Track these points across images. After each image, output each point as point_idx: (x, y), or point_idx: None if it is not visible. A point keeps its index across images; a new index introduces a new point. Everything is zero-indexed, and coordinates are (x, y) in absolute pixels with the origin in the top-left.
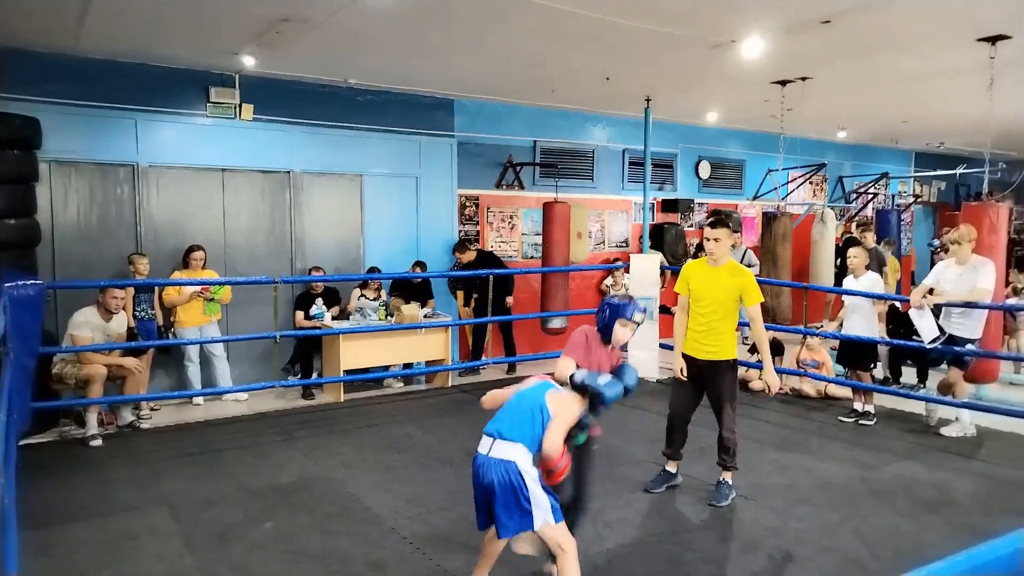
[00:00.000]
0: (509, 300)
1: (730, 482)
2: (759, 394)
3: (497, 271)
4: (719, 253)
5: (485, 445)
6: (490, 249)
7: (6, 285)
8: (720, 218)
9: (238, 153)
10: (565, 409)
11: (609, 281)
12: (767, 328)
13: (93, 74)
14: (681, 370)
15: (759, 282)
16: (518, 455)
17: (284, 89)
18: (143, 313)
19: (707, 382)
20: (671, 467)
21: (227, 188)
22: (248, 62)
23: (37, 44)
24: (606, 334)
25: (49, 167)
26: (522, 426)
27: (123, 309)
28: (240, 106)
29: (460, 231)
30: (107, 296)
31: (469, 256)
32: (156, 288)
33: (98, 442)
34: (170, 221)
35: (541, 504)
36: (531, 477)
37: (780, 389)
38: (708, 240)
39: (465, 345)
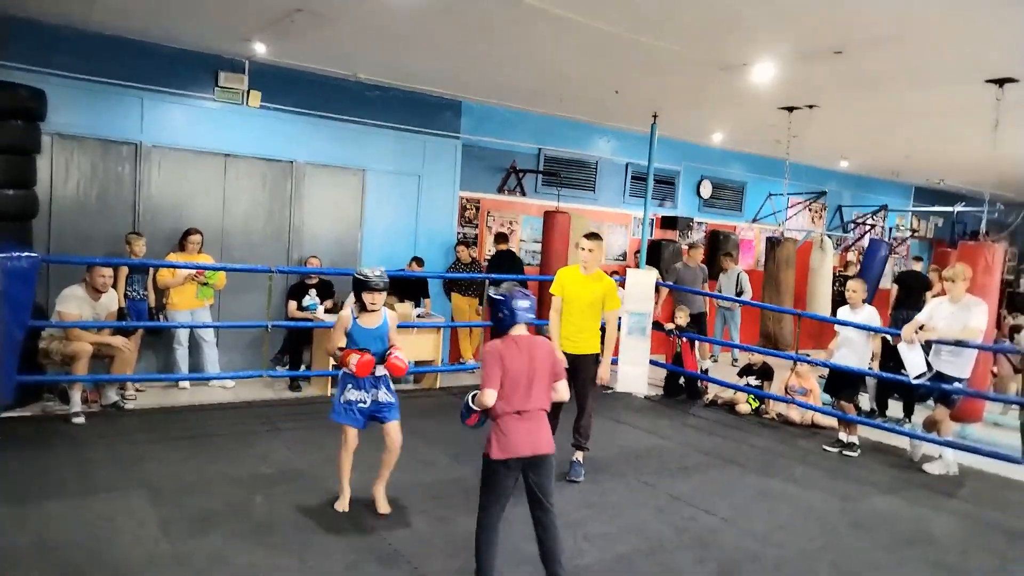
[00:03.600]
0: None
1: (581, 460)
2: (745, 417)
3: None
4: (591, 262)
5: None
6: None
7: (1, 256)
8: (595, 232)
9: (242, 139)
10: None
11: None
12: (765, 353)
13: (102, 49)
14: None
15: (754, 306)
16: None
17: (293, 78)
18: (135, 293)
19: (575, 373)
20: (578, 457)
21: (229, 173)
22: (259, 49)
23: (48, 15)
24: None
25: (52, 140)
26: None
27: (114, 288)
28: (248, 92)
29: (459, 233)
30: (94, 274)
31: (468, 252)
32: (150, 269)
33: (81, 420)
34: (169, 203)
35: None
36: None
37: (603, 383)
38: (583, 250)
39: (456, 347)
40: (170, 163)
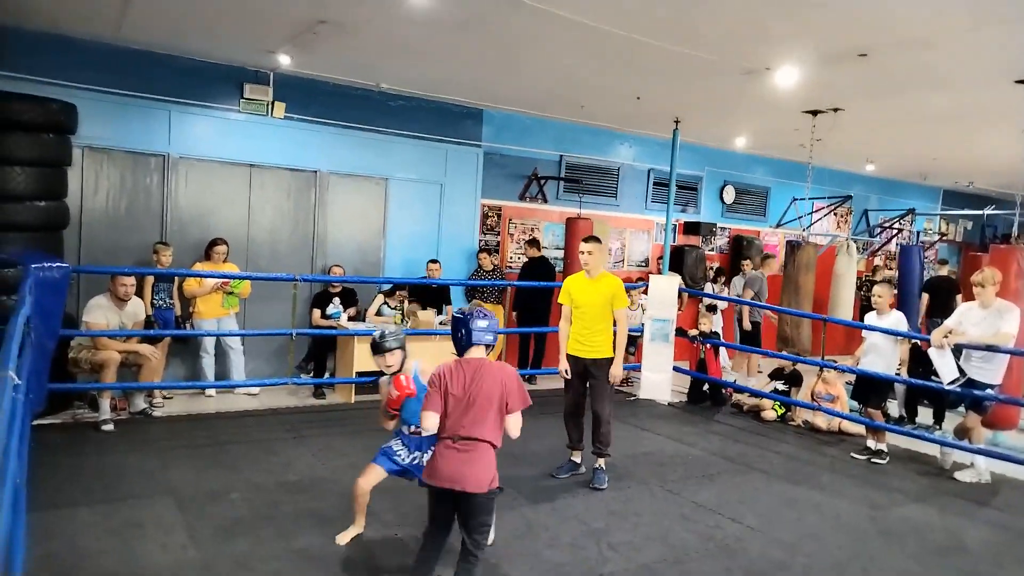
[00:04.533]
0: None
1: (604, 467)
2: (771, 424)
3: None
4: (592, 264)
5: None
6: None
7: (33, 266)
8: (593, 236)
9: (267, 150)
10: None
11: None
12: (784, 357)
13: (131, 64)
14: (566, 370)
15: (774, 310)
16: None
17: (316, 90)
18: (161, 302)
19: (590, 378)
20: (575, 457)
21: (254, 184)
22: (283, 61)
23: (78, 31)
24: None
25: (82, 152)
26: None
27: (140, 297)
28: (272, 103)
29: (481, 241)
30: (116, 283)
31: (490, 260)
32: (176, 278)
33: (110, 427)
34: (196, 213)
35: None
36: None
37: (620, 381)
38: (582, 254)
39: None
40: (197, 174)
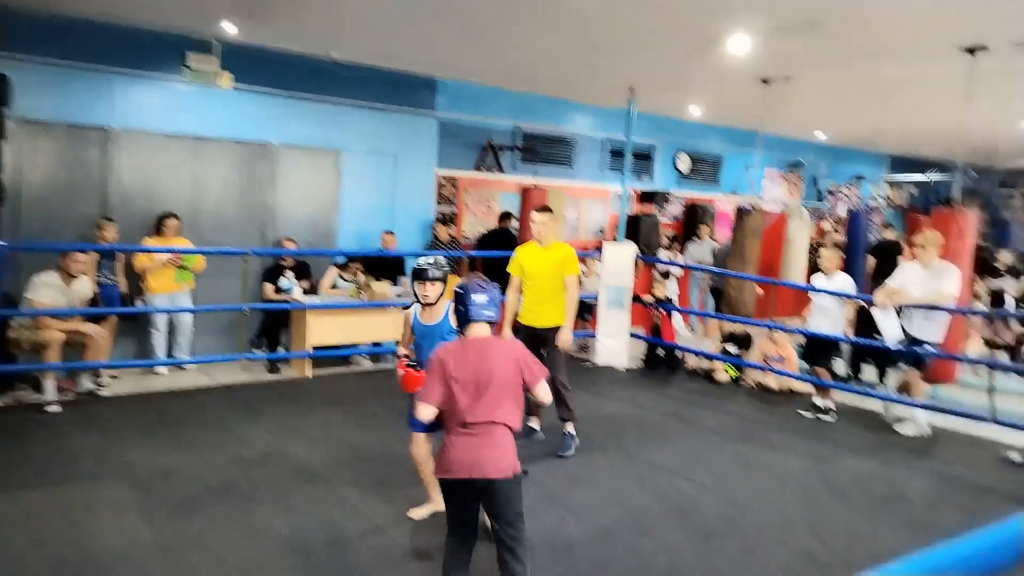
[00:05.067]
0: None
1: (573, 432)
2: (724, 386)
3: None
4: (544, 234)
5: None
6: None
7: None
8: (546, 206)
9: (215, 122)
10: None
11: (583, 268)
12: (732, 320)
13: (68, 32)
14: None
15: (725, 275)
16: None
17: (265, 59)
18: (105, 279)
19: (543, 346)
20: (532, 423)
21: (201, 157)
22: (229, 29)
23: None
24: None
25: (17, 125)
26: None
27: (86, 274)
28: (219, 74)
29: (436, 212)
30: (69, 260)
31: (446, 231)
32: (120, 254)
33: (56, 408)
34: (140, 187)
35: None
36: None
37: (579, 348)
38: (534, 223)
39: None
40: (140, 147)
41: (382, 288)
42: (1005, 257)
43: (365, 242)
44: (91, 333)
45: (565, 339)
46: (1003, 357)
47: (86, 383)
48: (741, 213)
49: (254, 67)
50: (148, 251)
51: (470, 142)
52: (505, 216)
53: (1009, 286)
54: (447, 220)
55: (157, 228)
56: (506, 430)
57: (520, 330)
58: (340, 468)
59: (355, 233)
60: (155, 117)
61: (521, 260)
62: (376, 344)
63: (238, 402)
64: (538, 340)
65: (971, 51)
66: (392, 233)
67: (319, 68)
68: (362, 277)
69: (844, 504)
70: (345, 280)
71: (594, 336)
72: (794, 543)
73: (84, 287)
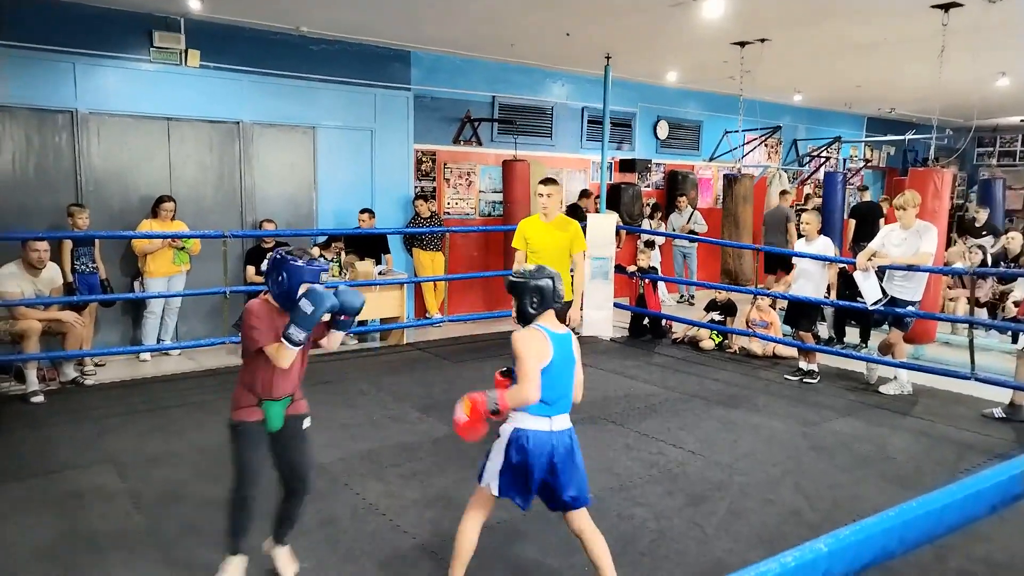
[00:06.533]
0: None
1: None
2: (710, 353)
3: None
4: (551, 207)
5: (545, 423)
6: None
7: None
8: (551, 177)
9: (184, 102)
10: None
11: None
12: (727, 289)
13: (27, 14)
14: None
15: (713, 243)
16: (568, 421)
17: (232, 36)
18: (84, 267)
19: None
20: None
21: (173, 138)
22: (194, 5)
23: None
24: (289, 300)
25: None
26: (568, 390)
27: (58, 262)
28: (186, 52)
29: (416, 187)
30: (27, 249)
31: (427, 206)
32: (96, 241)
33: (39, 398)
34: (112, 171)
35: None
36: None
37: (574, 325)
38: (541, 196)
39: (420, 302)
40: (110, 130)
41: (366, 267)
42: (983, 215)
43: (345, 220)
44: (69, 321)
45: (574, 316)
46: (983, 315)
47: (70, 372)
48: (729, 179)
49: (221, 44)
50: (113, 237)
51: (447, 115)
52: (584, 194)
53: (988, 244)
54: (428, 196)
55: (153, 211)
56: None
57: None
58: (329, 448)
59: (335, 211)
60: (123, 98)
61: (526, 234)
62: (362, 323)
63: (225, 386)
64: None
65: (944, 8)
66: (368, 211)
67: (288, 43)
68: (345, 256)
69: (829, 464)
70: (327, 260)
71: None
72: (781, 503)
73: (54, 275)
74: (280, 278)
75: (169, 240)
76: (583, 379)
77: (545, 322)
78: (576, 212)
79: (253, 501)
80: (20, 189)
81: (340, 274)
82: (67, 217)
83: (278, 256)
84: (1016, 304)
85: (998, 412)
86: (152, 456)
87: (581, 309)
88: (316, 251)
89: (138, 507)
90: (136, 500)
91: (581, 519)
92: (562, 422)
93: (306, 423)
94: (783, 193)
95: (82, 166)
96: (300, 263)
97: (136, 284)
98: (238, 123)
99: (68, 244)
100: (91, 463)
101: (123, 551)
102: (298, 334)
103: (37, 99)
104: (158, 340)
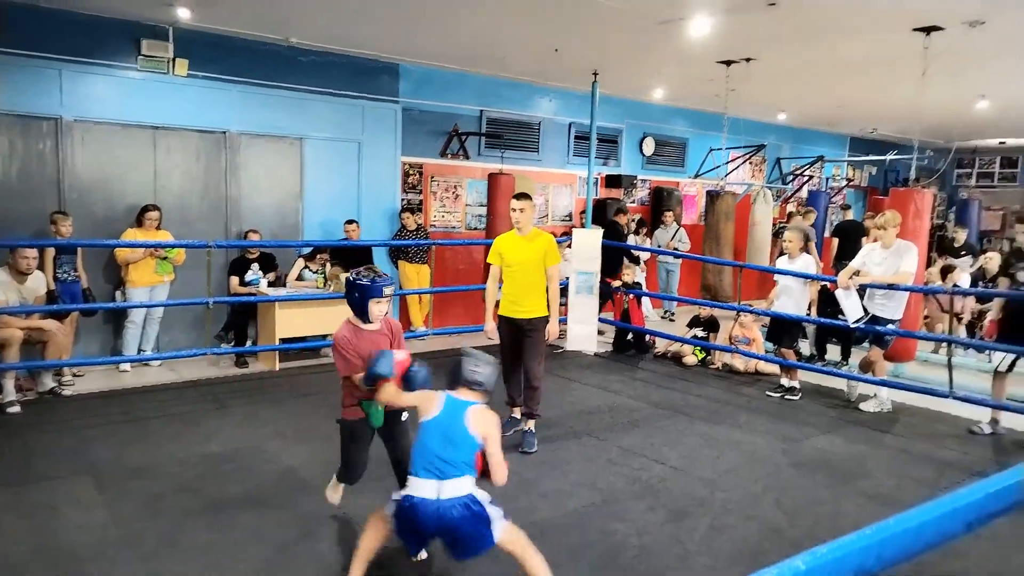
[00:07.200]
0: None
1: (533, 429)
2: (693, 369)
3: (445, 242)
4: (524, 221)
5: (430, 489)
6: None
7: None
8: (524, 192)
9: (171, 111)
10: (490, 426)
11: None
12: (710, 305)
13: (14, 20)
14: (491, 331)
15: (696, 259)
16: (469, 486)
17: (221, 45)
18: (66, 275)
19: (522, 338)
20: (516, 413)
21: (159, 147)
22: (183, 14)
23: None
24: (363, 313)
25: None
26: (463, 459)
27: (41, 270)
28: (174, 61)
29: (403, 200)
30: (17, 256)
31: (414, 219)
32: (79, 249)
33: (16, 409)
34: (97, 179)
35: (496, 516)
36: (484, 499)
37: (553, 338)
38: (513, 211)
39: (406, 315)
40: (95, 138)
41: None
42: (961, 235)
43: (331, 232)
44: (51, 330)
45: (554, 331)
46: (962, 334)
47: (48, 382)
48: (712, 196)
49: (210, 53)
50: (98, 246)
51: (435, 128)
52: (619, 211)
53: (966, 264)
54: (414, 209)
55: (138, 220)
56: None
57: (501, 323)
58: (311, 461)
59: (320, 223)
60: (109, 106)
61: (501, 250)
62: None
63: (206, 397)
64: (521, 332)
65: (925, 31)
66: (354, 222)
67: (277, 53)
68: (330, 268)
69: (810, 481)
70: (312, 271)
71: (564, 322)
72: (762, 520)
73: (38, 284)
74: (355, 296)
75: (152, 250)
76: (500, 459)
77: (455, 392)
78: (614, 229)
79: (353, 480)
80: (2, 196)
81: (324, 285)
82: (50, 225)
83: (351, 278)
84: (990, 323)
85: (986, 428)
86: (130, 468)
87: (563, 324)
88: (301, 262)
89: (116, 519)
90: (114, 512)
91: (504, 544)
92: (453, 489)
93: (404, 416)
94: (808, 212)
95: (65, 174)
96: (367, 282)
97: (118, 294)
98: (225, 133)
99: (51, 252)
100: (68, 474)
101: (101, 563)
102: (363, 382)
103: (21, 106)
104: (139, 350)
